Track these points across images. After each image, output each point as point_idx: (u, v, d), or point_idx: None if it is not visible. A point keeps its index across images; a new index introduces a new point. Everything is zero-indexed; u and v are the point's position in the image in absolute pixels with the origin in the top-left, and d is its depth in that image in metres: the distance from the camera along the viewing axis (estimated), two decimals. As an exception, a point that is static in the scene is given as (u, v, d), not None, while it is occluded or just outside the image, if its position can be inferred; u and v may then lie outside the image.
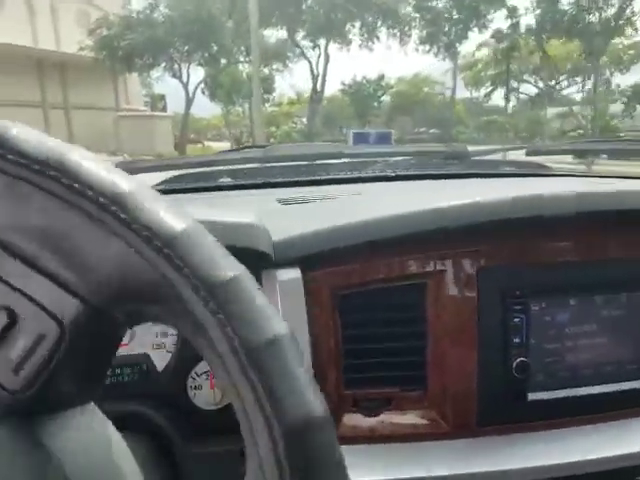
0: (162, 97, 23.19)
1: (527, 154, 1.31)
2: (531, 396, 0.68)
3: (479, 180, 1.25)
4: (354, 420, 0.66)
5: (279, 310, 0.60)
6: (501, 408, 0.67)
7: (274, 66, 18.99)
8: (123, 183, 0.24)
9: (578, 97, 18.71)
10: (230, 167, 1.27)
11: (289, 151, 1.32)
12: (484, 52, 19.48)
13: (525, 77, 19.06)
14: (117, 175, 0.24)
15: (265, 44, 16.38)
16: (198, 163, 1.19)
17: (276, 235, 0.63)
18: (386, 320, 0.66)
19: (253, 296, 0.23)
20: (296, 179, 1.23)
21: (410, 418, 0.67)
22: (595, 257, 0.70)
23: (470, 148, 1.32)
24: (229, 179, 1.30)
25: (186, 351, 0.65)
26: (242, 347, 0.22)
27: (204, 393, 0.66)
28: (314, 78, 17.55)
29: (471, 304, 0.66)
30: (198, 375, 0.65)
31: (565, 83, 18.84)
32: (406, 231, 0.65)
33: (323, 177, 1.23)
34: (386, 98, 20.62)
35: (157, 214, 0.24)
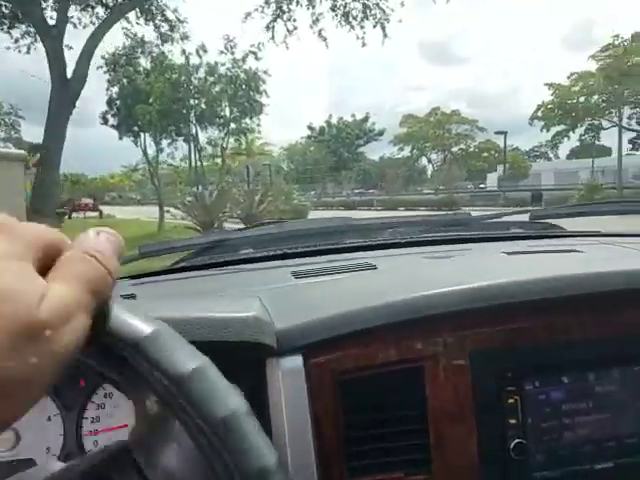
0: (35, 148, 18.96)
1: (531, 218, 1.35)
2: (531, 477, 0.71)
3: (490, 245, 1.28)
4: None
5: (282, 398, 0.65)
6: None
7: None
8: None
9: None
10: (248, 240, 1.34)
11: (302, 225, 1.39)
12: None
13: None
14: None
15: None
16: (215, 241, 1.27)
17: (281, 322, 0.69)
18: (387, 404, 0.70)
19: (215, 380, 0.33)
20: (311, 249, 1.29)
21: None
22: (585, 335, 0.76)
23: (474, 214, 1.36)
24: (250, 250, 1.37)
25: None
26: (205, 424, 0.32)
27: None
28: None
29: (466, 386, 0.71)
30: None
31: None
32: (402, 317, 0.71)
33: (336, 246, 1.29)
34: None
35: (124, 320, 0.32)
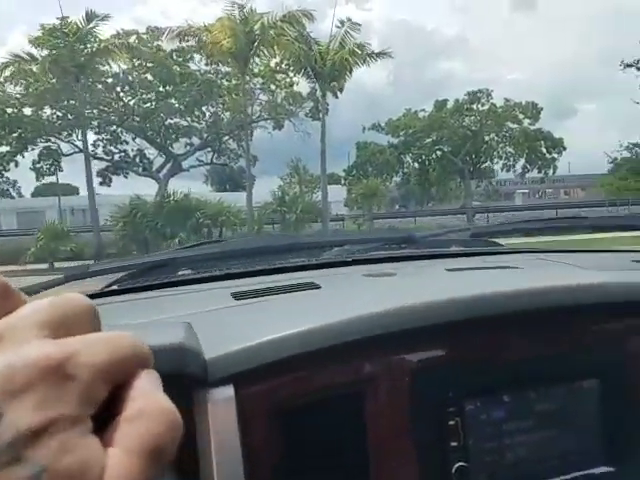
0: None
1: (471, 236, 1.37)
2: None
3: (432, 262, 1.29)
4: None
5: (211, 431, 0.62)
6: None
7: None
8: None
9: None
10: (189, 260, 1.28)
11: (246, 244, 1.36)
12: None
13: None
14: None
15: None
16: (155, 261, 1.21)
17: (212, 349, 0.67)
18: (325, 433, 0.67)
19: None
20: (253, 269, 1.24)
21: None
22: (525, 353, 0.78)
23: (417, 233, 1.37)
24: (189, 271, 1.32)
25: None
26: None
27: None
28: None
29: (407, 410, 0.72)
30: None
31: None
32: (339, 340, 0.68)
33: (279, 266, 1.25)
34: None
35: None
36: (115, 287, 1.17)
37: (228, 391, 0.64)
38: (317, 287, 1.01)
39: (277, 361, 0.67)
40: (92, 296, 1.12)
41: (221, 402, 0.63)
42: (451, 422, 0.70)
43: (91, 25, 17.51)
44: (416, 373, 0.71)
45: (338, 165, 32.03)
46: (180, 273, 1.31)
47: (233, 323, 0.81)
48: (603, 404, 0.77)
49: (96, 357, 0.23)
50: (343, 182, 31.17)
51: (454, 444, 0.70)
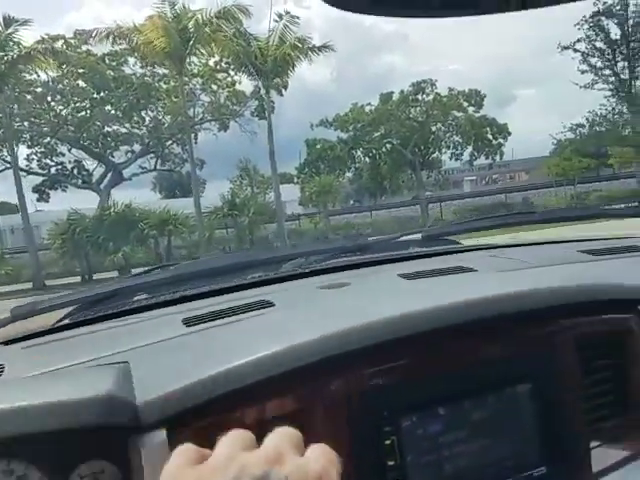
0: None
1: (424, 237, 1.42)
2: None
3: (386, 267, 1.32)
4: None
5: (145, 477, 0.61)
6: None
7: None
8: None
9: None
10: (140, 288, 1.27)
11: (199, 266, 1.36)
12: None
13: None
14: None
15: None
16: (106, 292, 1.19)
17: (146, 391, 0.66)
18: None
19: None
20: (207, 290, 1.25)
21: None
22: (456, 365, 0.78)
23: (370, 239, 1.41)
24: (145, 295, 1.31)
25: None
26: None
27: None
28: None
29: (344, 434, 0.71)
30: None
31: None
32: (269, 374, 0.69)
33: (232, 284, 1.26)
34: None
35: None
36: (67, 321, 1.14)
37: (161, 435, 0.63)
38: (271, 305, 1.01)
39: (211, 399, 0.66)
40: (42, 333, 1.10)
41: (154, 446, 0.62)
42: (387, 441, 0.71)
43: (9, 31, 16.47)
44: (351, 396, 0.71)
45: (290, 164, 31.98)
46: (136, 298, 1.29)
47: (175, 358, 0.80)
48: (536, 407, 0.79)
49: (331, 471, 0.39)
50: (296, 180, 31.18)
51: (391, 463, 0.70)
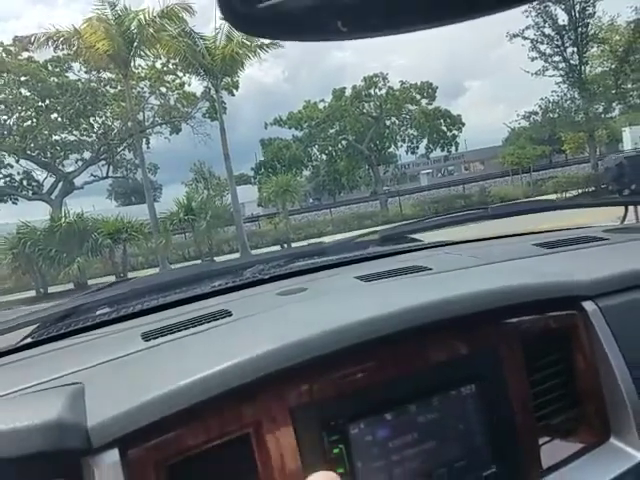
0: None
1: (381, 238, 1.45)
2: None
3: (342, 269, 1.35)
4: None
5: None
6: None
7: None
8: None
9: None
10: (101, 303, 1.26)
11: (157, 279, 1.35)
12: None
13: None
14: None
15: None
16: (68, 309, 1.17)
17: (99, 412, 0.66)
18: None
19: None
20: (165, 302, 1.25)
21: None
22: (400, 370, 0.80)
23: (326, 244, 1.43)
24: (106, 309, 1.30)
25: None
26: None
27: None
28: None
29: (292, 446, 0.72)
30: None
31: None
32: (216, 391, 0.70)
33: (190, 295, 1.27)
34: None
35: None
36: (28, 340, 1.13)
37: (113, 455, 0.64)
38: (229, 314, 1.02)
39: (161, 419, 0.66)
40: (2, 354, 1.08)
41: (107, 467, 0.63)
42: (335, 450, 0.72)
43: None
44: (297, 409, 0.72)
45: (246, 164, 31.72)
46: (98, 312, 1.28)
47: (131, 375, 0.80)
48: (483, 407, 0.81)
49: None
50: (253, 181, 30.96)
51: (341, 471, 0.71)
